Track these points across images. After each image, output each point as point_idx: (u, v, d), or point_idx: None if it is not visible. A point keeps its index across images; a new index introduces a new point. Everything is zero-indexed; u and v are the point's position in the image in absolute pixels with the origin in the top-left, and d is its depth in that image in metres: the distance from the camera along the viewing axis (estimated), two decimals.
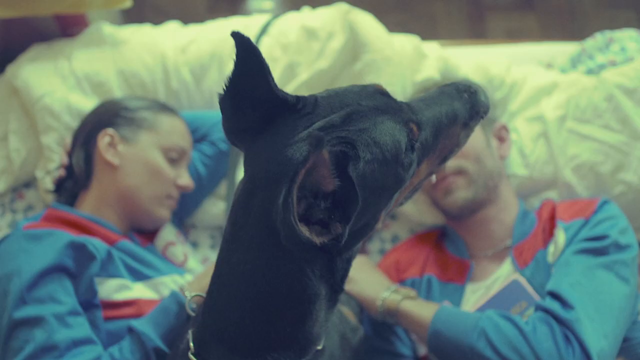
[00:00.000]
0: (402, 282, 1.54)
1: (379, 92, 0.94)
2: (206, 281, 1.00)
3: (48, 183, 1.62)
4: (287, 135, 0.87)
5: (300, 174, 0.76)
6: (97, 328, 1.25)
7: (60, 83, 1.69)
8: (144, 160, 1.44)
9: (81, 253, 1.26)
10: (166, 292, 1.36)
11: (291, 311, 0.90)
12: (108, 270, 1.30)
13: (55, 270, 1.23)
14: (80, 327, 1.21)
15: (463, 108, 1.00)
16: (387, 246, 1.73)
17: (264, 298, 0.89)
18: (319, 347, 0.98)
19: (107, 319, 1.28)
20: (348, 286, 1.39)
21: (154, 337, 1.20)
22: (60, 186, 1.51)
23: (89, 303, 1.26)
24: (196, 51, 1.79)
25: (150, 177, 1.45)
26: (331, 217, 0.83)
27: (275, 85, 0.88)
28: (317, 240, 0.81)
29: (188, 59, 1.78)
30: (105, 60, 1.74)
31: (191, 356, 0.95)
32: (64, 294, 1.22)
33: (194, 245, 1.72)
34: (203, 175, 1.67)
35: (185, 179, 1.50)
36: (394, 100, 0.95)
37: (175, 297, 1.25)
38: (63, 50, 1.76)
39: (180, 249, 1.55)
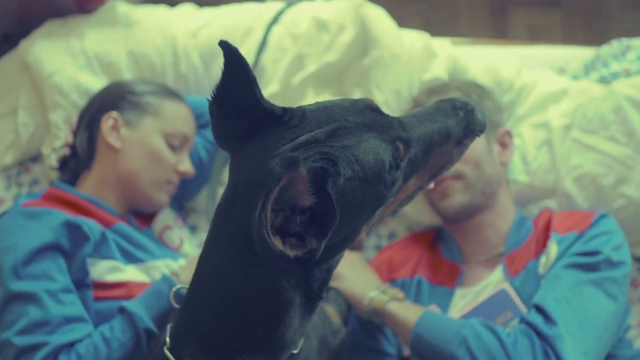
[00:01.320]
0: (392, 281, 1.55)
1: (369, 108, 0.94)
2: None
3: (53, 160, 1.65)
4: (271, 147, 0.88)
5: (273, 192, 0.78)
6: (87, 308, 1.29)
7: (70, 62, 1.71)
8: (146, 145, 1.47)
9: (76, 233, 1.30)
10: (158, 276, 1.39)
11: (264, 317, 0.92)
12: (101, 251, 1.33)
13: (51, 248, 1.27)
14: (73, 305, 1.25)
15: (457, 126, 0.99)
16: (384, 242, 1.74)
17: (237, 302, 0.91)
18: (295, 351, 1.00)
19: (97, 299, 1.31)
20: (337, 282, 1.41)
21: (145, 318, 1.24)
22: (64, 164, 1.55)
23: (80, 283, 1.30)
24: (207, 36, 1.80)
25: (151, 162, 1.47)
26: (307, 231, 0.84)
27: (262, 96, 0.90)
28: (291, 253, 0.83)
29: (198, 43, 1.79)
30: (116, 41, 1.76)
31: (166, 351, 0.97)
32: (58, 272, 1.26)
33: (193, 229, 1.75)
34: (205, 160, 1.69)
35: (185, 165, 1.52)
36: (385, 116, 0.95)
37: (168, 281, 1.29)
38: (76, 29, 1.78)
39: (176, 233, 1.58)
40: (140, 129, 1.47)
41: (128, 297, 1.32)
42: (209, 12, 1.88)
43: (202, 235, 1.74)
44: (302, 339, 1.01)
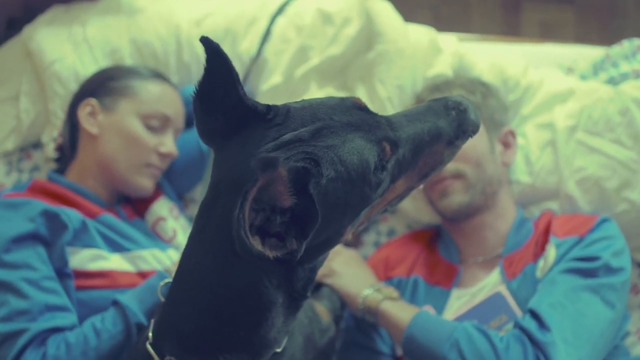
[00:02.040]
0: (389, 279, 1.53)
1: (356, 107, 0.92)
2: None
3: (51, 150, 1.65)
4: (254, 145, 0.87)
5: (250, 192, 0.77)
6: (68, 297, 1.28)
7: (72, 50, 1.70)
8: (120, 128, 1.45)
9: (54, 222, 1.29)
10: (143, 266, 1.39)
11: (245, 316, 0.91)
12: (82, 240, 1.33)
13: (30, 237, 1.26)
14: (54, 293, 1.25)
15: (449, 126, 0.96)
16: (383, 239, 1.72)
17: (219, 301, 0.90)
18: (279, 350, 0.99)
19: (79, 288, 1.31)
20: (331, 279, 1.41)
21: (138, 312, 1.23)
22: (59, 154, 1.55)
23: (60, 271, 1.29)
24: (211, 25, 1.78)
25: (127, 145, 1.45)
26: (287, 232, 0.83)
27: (244, 94, 0.88)
28: (270, 254, 0.82)
29: (202, 32, 1.76)
30: (119, 29, 1.75)
31: (148, 346, 0.97)
32: (38, 261, 1.26)
33: (192, 219, 1.74)
34: (205, 151, 1.67)
35: (167, 147, 1.49)
36: (372, 115, 0.93)
37: (162, 277, 1.28)
38: (79, 16, 1.77)
39: (170, 225, 1.56)
40: (116, 113, 1.45)
41: (111, 286, 1.32)
42: (214, 2, 1.86)
43: None
44: (285, 337, 1.00)
